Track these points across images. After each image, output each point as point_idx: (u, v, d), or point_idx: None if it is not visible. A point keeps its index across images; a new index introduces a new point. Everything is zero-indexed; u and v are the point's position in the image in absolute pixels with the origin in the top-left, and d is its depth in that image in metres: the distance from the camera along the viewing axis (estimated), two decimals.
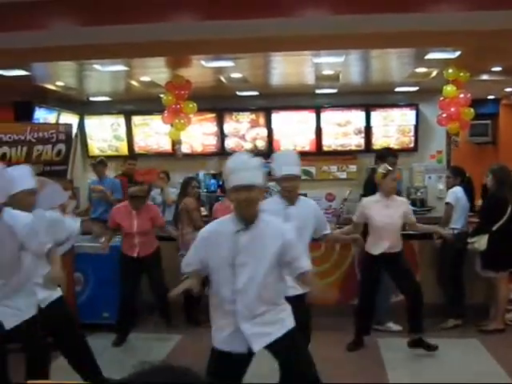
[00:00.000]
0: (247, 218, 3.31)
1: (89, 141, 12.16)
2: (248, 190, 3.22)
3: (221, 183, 10.49)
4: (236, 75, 9.57)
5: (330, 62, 8.48)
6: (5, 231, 3.78)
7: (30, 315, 4.00)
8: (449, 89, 8.80)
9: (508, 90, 12.04)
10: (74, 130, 10.41)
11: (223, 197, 6.38)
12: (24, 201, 4.33)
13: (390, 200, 5.87)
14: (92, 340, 5.62)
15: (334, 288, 6.82)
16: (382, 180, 5.87)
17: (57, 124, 9.03)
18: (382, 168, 6.00)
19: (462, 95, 8.76)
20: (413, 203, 8.60)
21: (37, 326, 4.09)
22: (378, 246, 5.77)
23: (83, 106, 11.91)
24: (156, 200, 8.73)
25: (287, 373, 3.57)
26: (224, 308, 3.39)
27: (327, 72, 9.48)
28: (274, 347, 3.46)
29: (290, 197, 4.62)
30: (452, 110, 8.86)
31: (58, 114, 10.89)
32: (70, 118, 11.04)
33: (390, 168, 6.04)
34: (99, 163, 8.46)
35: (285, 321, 3.53)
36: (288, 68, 9.35)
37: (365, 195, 6.55)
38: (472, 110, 8.89)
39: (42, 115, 10.35)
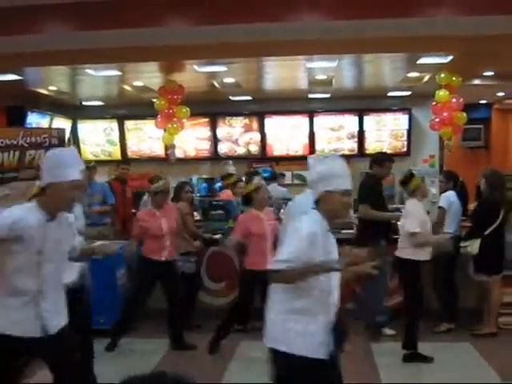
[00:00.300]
0: (340, 219, 3.38)
1: (82, 145, 12.13)
2: (349, 196, 3.24)
3: (216, 187, 10.45)
4: (229, 80, 9.59)
5: (322, 66, 8.52)
6: (67, 223, 3.57)
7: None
8: (441, 93, 8.83)
9: (500, 94, 12.09)
10: (67, 135, 10.39)
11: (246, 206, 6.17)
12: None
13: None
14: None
15: None
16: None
17: (49, 128, 9.00)
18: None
19: (454, 100, 8.80)
20: None
21: None
22: None
23: (76, 111, 11.90)
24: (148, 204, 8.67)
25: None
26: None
27: (320, 77, 9.50)
28: None
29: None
30: (444, 114, 8.90)
31: (51, 119, 10.87)
32: (62, 123, 11.02)
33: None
34: (86, 168, 8.36)
35: None
36: (281, 73, 9.37)
37: (360, 200, 6.48)
38: (464, 114, 8.92)
39: (35, 120, 10.33)
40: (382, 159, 6.72)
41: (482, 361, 5.47)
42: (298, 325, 3.08)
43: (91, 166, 8.11)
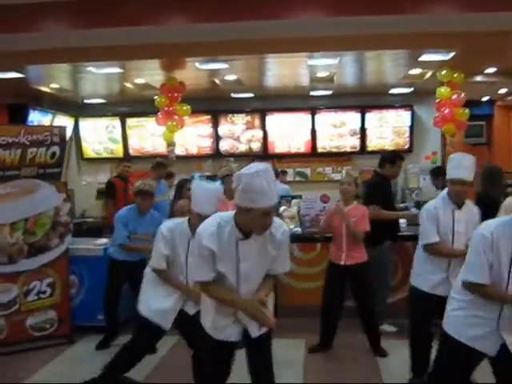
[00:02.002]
0: (256, 233, 3.30)
1: (83, 143, 12.15)
2: (268, 213, 3.21)
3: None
4: (230, 77, 9.59)
5: (324, 63, 8.50)
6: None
7: None
8: (443, 90, 8.83)
9: (502, 91, 12.06)
10: (69, 133, 10.40)
11: None
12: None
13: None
14: (86, 343, 5.63)
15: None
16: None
17: (51, 126, 9.00)
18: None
19: (455, 96, 8.78)
20: (417, 206, 8.50)
21: None
22: None
23: (78, 109, 11.91)
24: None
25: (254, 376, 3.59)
26: None
27: (322, 74, 9.50)
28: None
29: (457, 201, 4.53)
30: (446, 111, 8.88)
31: (53, 117, 10.89)
32: (64, 121, 11.04)
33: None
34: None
35: None
36: (283, 70, 9.36)
37: (369, 200, 6.11)
38: (467, 110, 8.91)
39: (37, 117, 10.35)
40: (394, 157, 6.50)
41: None
42: None
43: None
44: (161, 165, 8.16)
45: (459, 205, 4.47)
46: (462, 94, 8.76)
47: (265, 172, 3.19)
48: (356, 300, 5.71)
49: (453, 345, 3.37)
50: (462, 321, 3.37)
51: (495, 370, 3.43)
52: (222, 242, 3.25)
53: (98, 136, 12.15)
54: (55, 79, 9.55)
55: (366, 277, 5.63)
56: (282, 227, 3.45)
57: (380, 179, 6.40)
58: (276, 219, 3.44)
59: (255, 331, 3.44)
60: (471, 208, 4.55)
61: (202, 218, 3.62)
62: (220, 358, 3.51)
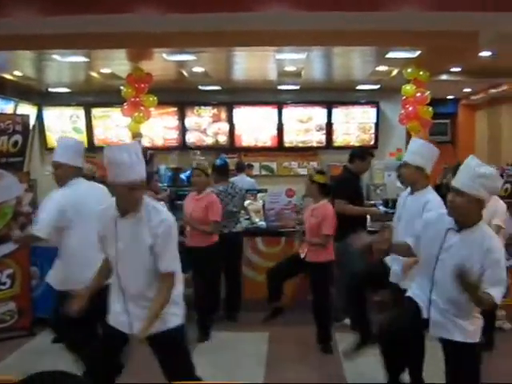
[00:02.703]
0: (127, 210, 3.30)
1: (47, 132, 11.95)
2: (133, 189, 3.19)
3: (183, 177, 10.40)
4: (198, 69, 9.53)
5: (292, 58, 8.52)
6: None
7: None
8: (408, 88, 8.93)
9: (467, 90, 12.26)
10: (32, 122, 10.22)
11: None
12: None
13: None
14: (47, 335, 5.54)
15: (291, 285, 6.76)
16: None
17: (13, 114, 8.85)
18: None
19: (418, 94, 8.88)
20: (385, 203, 8.59)
21: None
22: None
23: (42, 97, 11.71)
24: None
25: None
26: None
27: (290, 68, 9.51)
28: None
29: (405, 183, 4.63)
30: (410, 108, 8.99)
31: (16, 105, 10.67)
32: (28, 109, 10.83)
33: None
34: None
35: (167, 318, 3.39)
36: (250, 63, 9.35)
37: (336, 195, 6.08)
38: (430, 108, 9.01)
39: None
40: (363, 153, 6.54)
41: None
42: None
43: None
44: None
45: (411, 190, 4.46)
46: (426, 93, 8.86)
47: (130, 147, 3.23)
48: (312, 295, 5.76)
49: None
50: None
51: None
52: (105, 221, 3.32)
53: (62, 125, 11.95)
54: (19, 66, 9.35)
55: (322, 276, 5.64)
56: (163, 215, 3.31)
57: (349, 174, 6.45)
58: (161, 208, 3.40)
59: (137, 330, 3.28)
60: (424, 195, 4.35)
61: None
62: (107, 346, 3.50)
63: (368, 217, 6.82)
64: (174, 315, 3.41)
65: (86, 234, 3.93)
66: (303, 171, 11.93)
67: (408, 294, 3.64)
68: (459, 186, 3.23)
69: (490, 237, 3.26)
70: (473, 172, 3.20)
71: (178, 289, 3.44)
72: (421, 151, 4.43)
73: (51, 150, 11.72)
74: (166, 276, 3.29)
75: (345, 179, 6.44)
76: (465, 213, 3.24)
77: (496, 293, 3.17)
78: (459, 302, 3.29)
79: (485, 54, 8.05)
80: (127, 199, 3.20)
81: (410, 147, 4.59)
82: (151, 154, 9.09)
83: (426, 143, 4.52)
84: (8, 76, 9.87)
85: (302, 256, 5.65)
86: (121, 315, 3.36)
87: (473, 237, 3.23)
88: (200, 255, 5.91)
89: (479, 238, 3.22)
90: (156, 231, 3.21)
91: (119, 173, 3.13)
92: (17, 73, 9.73)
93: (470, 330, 3.36)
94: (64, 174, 4.26)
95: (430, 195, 4.33)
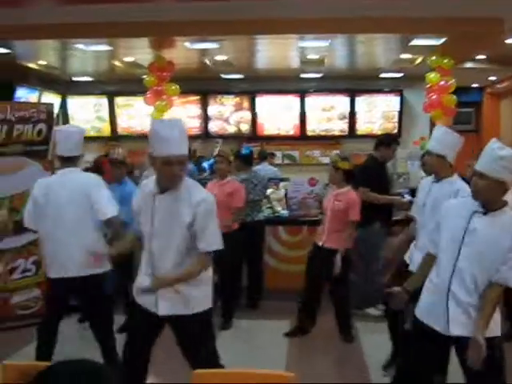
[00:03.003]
0: (170, 187, 3.31)
1: (71, 121, 12.00)
2: (173, 163, 3.18)
3: (205, 165, 10.42)
4: (220, 58, 9.52)
5: (315, 46, 8.46)
6: None
7: None
8: (432, 76, 8.82)
9: (492, 78, 12.09)
10: (56, 110, 10.29)
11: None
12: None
13: None
14: (71, 321, 5.59)
15: None
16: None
17: (38, 103, 8.93)
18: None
19: (442, 82, 8.77)
20: (411, 192, 8.45)
21: None
22: None
23: (66, 86, 11.80)
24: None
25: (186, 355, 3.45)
26: None
27: (312, 56, 9.45)
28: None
29: (428, 171, 4.60)
30: (434, 97, 8.88)
31: (40, 94, 10.77)
32: (51, 98, 10.92)
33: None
34: None
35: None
36: (273, 51, 9.31)
37: (359, 182, 5.95)
38: (454, 97, 8.90)
39: (24, 94, 10.24)
40: (389, 140, 6.44)
41: None
42: None
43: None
44: None
45: (436, 178, 4.37)
46: (451, 81, 8.75)
47: (177, 122, 3.23)
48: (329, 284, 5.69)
49: None
50: None
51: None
52: (144, 196, 3.34)
53: (86, 114, 12.05)
54: (43, 56, 9.44)
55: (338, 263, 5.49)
56: (204, 194, 3.32)
57: (373, 162, 6.38)
58: (201, 187, 3.41)
59: (162, 309, 3.32)
60: (453, 183, 4.27)
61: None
62: (139, 323, 3.49)
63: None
64: (205, 297, 3.42)
65: (58, 221, 4.15)
66: (326, 160, 11.83)
67: (416, 313, 3.37)
68: (481, 169, 3.17)
69: None
70: (494, 155, 3.14)
71: (209, 272, 3.45)
72: (443, 139, 4.35)
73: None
74: (203, 255, 3.30)
75: (369, 167, 6.37)
76: (488, 196, 3.16)
77: None
78: (481, 291, 3.15)
79: (510, 41, 7.92)
80: (165, 174, 3.19)
81: (433, 135, 4.53)
82: (190, 149, 9.15)
83: (448, 131, 4.45)
84: (32, 65, 9.95)
85: (320, 243, 5.60)
86: (148, 293, 3.34)
87: (499, 219, 3.15)
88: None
89: (506, 220, 3.14)
90: (196, 210, 3.20)
91: (166, 147, 3.11)
92: (41, 62, 9.81)
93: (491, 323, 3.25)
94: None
95: (460, 184, 4.25)
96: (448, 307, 3.16)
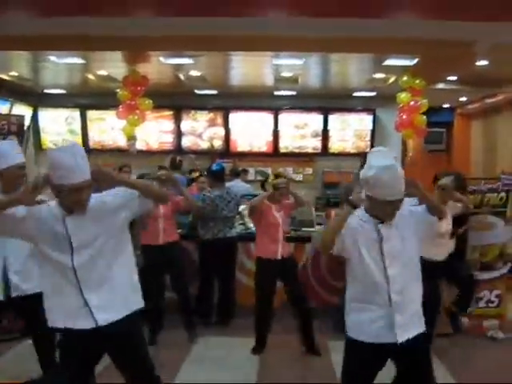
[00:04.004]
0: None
1: (42, 134, 11.92)
2: (75, 191, 3.07)
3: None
4: (194, 73, 9.51)
5: (289, 63, 8.51)
6: None
7: None
8: (403, 96, 8.92)
9: (463, 99, 12.28)
10: (27, 122, 10.17)
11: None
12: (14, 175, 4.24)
13: None
14: None
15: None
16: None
17: (8, 115, 8.80)
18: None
19: (412, 102, 8.87)
20: None
21: None
22: None
23: (37, 98, 11.66)
24: None
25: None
26: None
27: (286, 74, 9.50)
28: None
29: None
30: (404, 117, 8.98)
31: (11, 106, 10.61)
32: (23, 110, 10.77)
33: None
34: None
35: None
36: (247, 68, 9.34)
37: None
38: (424, 117, 9.00)
39: None
40: None
41: (435, 359, 5.50)
42: None
43: None
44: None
45: None
46: (421, 101, 8.85)
47: (71, 148, 3.09)
48: (291, 296, 5.73)
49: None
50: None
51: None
52: (50, 221, 3.15)
53: (57, 127, 11.93)
54: (15, 67, 9.33)
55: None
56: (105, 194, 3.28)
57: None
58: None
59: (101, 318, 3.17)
60: None
61: None
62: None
63: None
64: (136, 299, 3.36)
65: None
66: (298, 177, 11.95)
67: (353, 335, 3.39)
68: None
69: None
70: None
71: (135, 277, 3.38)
72: None
73: (46, 151, 11.78)
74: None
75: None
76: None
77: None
78: (414, 290, 3.34)
79: (481, 63, 8.07)
80: (68, 202, 3.10)
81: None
82: (180, 160, 9.28)
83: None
84: (4, 76, 9.83)
85: (279, 257, 5.66)
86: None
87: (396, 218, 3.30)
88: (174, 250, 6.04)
89: (400, 216, 3.29)
90: (112, 199, 3.21)
91: (61, 176, 3.00)
92: (13, 73, 9.70)
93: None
94: None
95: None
96: (395, 320, 3.24)
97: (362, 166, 6.23)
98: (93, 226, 3.14)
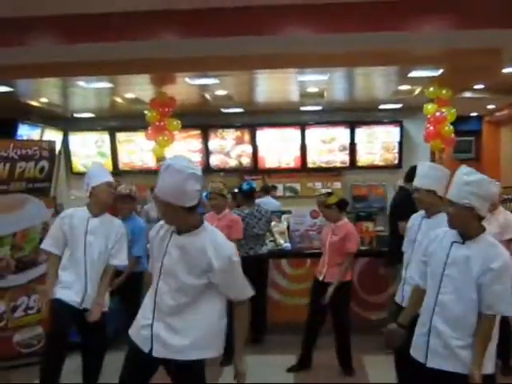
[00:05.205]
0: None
1: (73, 157, 12.11)
2: None
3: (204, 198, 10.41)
4: (220, 92, 9.59)
5: (314, 79, 8.54)
6: None
7: None
8: (429, 107, 8.88)
9: (490, 106, 12.16)
10: (58, 147, 10.34)
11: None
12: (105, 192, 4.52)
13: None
14: (75, 358, 5.53)
15: None
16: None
17: (40, 141, 8.98)
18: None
19: (439, 113, 8.82)
20: None
21: None
22: None
23: (67, 123, 11.88)
24: (150, 215, 8.44)
25: None
26: None
27: (312, 89, 9.53)
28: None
29: (421, 208, 4.48)
30: (431, 127, 8.93)
31: (42, 131, 10.84)
32: (53, 135, 10.99)
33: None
34: None
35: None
36: (272, 85, 9.39)
37: (399, 217, 5.79)
38: (451, 127, 8.93)
39: (26, 131, 10.30)
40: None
41: None
42: None
43: None
44: None
45: (427, 214, 4.38)
46: (448, 111, 8.77)
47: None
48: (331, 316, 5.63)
49: None
50: None
51: None
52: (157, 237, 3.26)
53: (87, 150, 12.12)
54: (44, 93, 9.53)
55: (339, 294, 5.45)
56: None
57: (406, 195, 6.18)
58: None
59: (157, 350, 3.11)
60: (440, 217, 4.02)
61: None
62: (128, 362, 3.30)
63: None
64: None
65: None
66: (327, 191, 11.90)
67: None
68: (450, 196, 3.21)
69: (494, 246, 3.13)
70: (461, 181, 3.17)
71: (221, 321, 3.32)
72: (429, 174, 4.37)
73: (77, 174, 11.98)
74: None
75: (405, 201, 6.13)
76: (460, 223, 3.16)
77: (505, 308, 3.07)
78: (465, 326, 3.09)
79: (508, 70, 7.99)
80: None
81: (417, 171, 4.51)
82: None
83: (432, 165, 4.52)
84: (34, 103, 10.03)
85: (321, 278, 5.56)
86: (145, 330, 3.19)
87: (477, 247, 3.11)
88: None
89: (483, 247, 3.10)
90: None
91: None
92: (43, 99, 9.90)
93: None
94: None
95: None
96: (429, 340, 3.15)
97: (409, 179, 6.17)
98: None
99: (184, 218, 3.07)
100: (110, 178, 4.62)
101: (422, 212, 4.47)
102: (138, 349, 3.18)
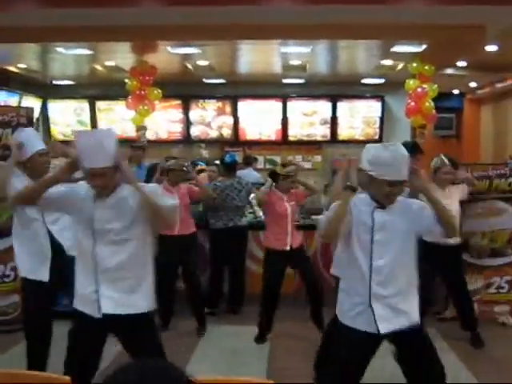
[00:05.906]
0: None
1: (51, 125, 11.96)
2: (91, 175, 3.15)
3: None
4: (202, 62, 9.50)
5: (297, 51, 8.48)
6: None
7: None
8: (411, 82, 8.89)
9: (472, 84, 12.20)
10: (36, 114, 10.21)
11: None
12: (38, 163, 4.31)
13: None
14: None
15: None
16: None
17: (18, 107, 8.82)
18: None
19: (419, 89, 8.83)
20: None
21: None
22: None
23: (46, 90, 11.71)
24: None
25: None
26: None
27: (294, 62, 9.47)
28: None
29: None
30: (413, 103, 8.95)
31: (20, 98, 10.66)
32: (32, 102, 10.82)
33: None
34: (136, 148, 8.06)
35: None
36: (255, 56, 9.32)
37: None
38: (432, 103, 8.96)
39: (3, 98, 10.13)
40: (412, 149, 6.24)
41: (443, 344, 5.50)
42: None
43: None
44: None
45: None
46: (430, 87, 8.80)
47: (99, 132, 3.46)
48: (304, 283, 5.72)
49: None
50: None
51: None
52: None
53: (67, 118, 11.97)
54: (23, 59, 9.35)
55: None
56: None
57: None
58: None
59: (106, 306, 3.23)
60: None
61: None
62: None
63: None
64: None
65: None
66: (307, 165, 11.92)
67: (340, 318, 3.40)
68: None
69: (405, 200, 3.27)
70: None
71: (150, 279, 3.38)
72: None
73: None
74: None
75: None
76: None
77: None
78: (402, 285, 3.23)
79: (491, 48, 8.01)
80: (94, 184, 3.17)
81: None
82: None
83: None
84: (12, 68, 9.86)
85: (288, 248, 5.62)
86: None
87: (398, 207, 3.21)
88: (190, 242, 6.04)
89: (399, 205, 3.21)
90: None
91: (87, 158, 3.09)
92: (21, 65, 9.73)
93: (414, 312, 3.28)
94: None
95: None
96: (372, 308, 3.19)
97: None
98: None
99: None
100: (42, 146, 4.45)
101: None
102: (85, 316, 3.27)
